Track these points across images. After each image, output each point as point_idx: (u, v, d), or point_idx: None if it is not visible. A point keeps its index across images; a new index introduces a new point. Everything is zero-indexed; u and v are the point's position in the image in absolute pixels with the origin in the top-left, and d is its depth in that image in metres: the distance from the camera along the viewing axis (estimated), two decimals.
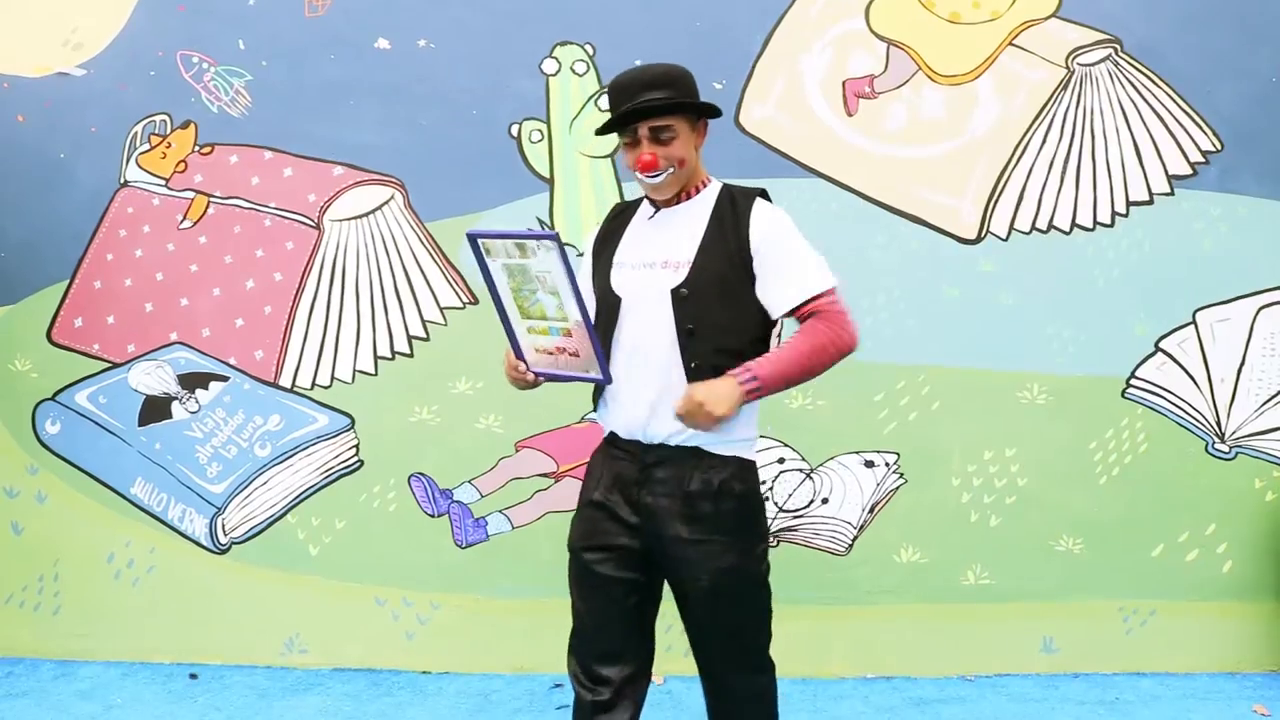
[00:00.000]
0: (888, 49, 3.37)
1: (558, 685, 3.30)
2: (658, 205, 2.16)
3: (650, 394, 2.06)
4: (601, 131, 2.14)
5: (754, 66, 3.38)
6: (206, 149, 3.48)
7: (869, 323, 3.24)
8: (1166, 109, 3.36)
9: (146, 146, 3.49)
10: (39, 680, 3.37)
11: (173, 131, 3.48)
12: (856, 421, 3.39)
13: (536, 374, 2.12)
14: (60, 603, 3.54)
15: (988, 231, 3.38)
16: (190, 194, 3.48)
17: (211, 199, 3.48)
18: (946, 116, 3.36)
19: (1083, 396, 3.38)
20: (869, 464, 3.41)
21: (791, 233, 2.08)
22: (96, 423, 3.52)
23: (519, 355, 2.12)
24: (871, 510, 3.41)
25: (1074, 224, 3.37)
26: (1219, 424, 3.39)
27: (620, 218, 2.24)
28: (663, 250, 2.10)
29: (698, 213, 2.11)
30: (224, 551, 3.52)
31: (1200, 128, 3.36)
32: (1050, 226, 3.38)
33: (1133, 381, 3.38)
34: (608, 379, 2.04)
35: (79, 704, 3.20)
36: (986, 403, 3.38)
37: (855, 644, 3.40)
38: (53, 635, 3.53)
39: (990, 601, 3.40)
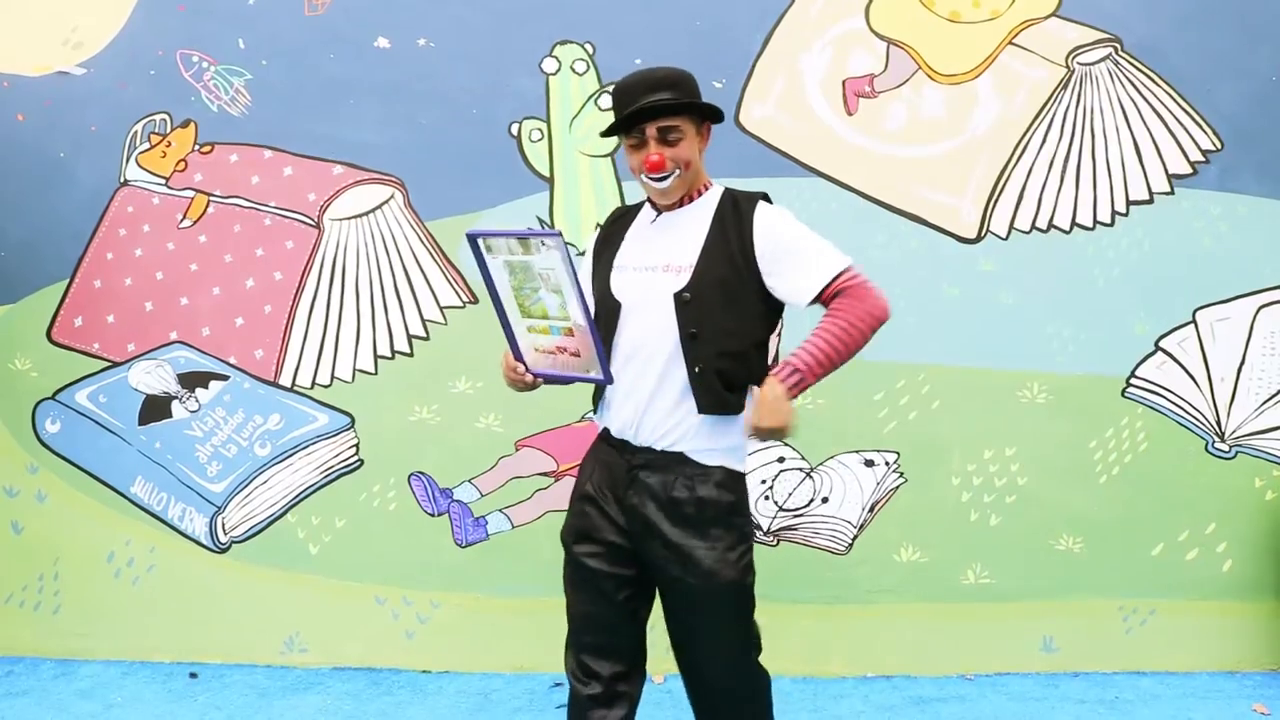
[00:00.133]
0: (888, 48, 3.37)
1: (557, 684, 3.30)
2: (659, 209, 2.16)
3: (644, 396, 2.06)
4: (608, 133, 2.13)
5: (754, 66, 3.37)
6: (206, 148, 3.48)
7: None
8: (1166, 108, 3.36)
9: (146, 145, 3.49)
10: (39, 679, 3.37)
11: (173, 130, 3.48)
12: (856, 420, 3.39)
13: (535, 375, 2.11)
14: (60, 602, 3.55)
15: (988, 231, 3.38)
16: (190, 193, 3.48)
17: (211, 198, 3.48)
18: (946, 116, 3.36)
19: (1083, 395, 3.38)
20: (869, 463, 3.41)
21: (796, 227, 2.08)
22: (96, 422, 3.52)
23: (517, 356, 2.11)
24: (871, 509, 3.41)
25: (1074, 223, 3.37)
26: (1219, 423, 3.39)
27: (620, 221, 2.24)
28: (665, 254, 2.10)
29: (700, 216, 2.11)
30: (224, 550, 3.52)
31: (1200, 127, 3.36)
32: (1050, 226, 3.37)
33: (1133, 381, 3.39)
34: (609, 379, 2.03)
35: (79, 703, 3.20)
36: (986, 402, 3.38)
37: (855, 643, 3.41)
38: (53, 634, 3.53)
39: (990, 600, 3.40)
